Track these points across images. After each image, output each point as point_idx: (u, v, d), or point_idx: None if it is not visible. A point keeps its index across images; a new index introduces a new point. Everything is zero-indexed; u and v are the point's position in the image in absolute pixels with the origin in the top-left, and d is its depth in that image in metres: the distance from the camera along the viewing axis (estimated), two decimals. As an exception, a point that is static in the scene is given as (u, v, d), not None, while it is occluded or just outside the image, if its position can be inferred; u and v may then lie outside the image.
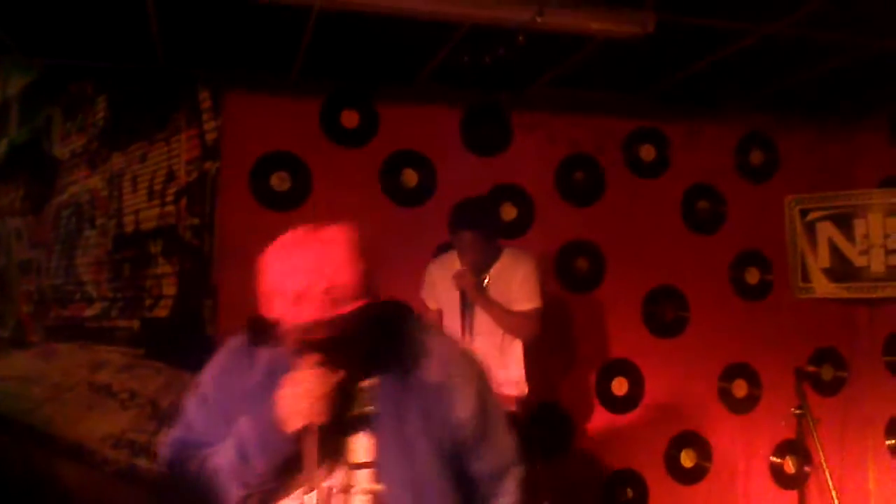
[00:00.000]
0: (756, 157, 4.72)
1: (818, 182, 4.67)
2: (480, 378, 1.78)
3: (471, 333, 3.29)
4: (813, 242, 4.58)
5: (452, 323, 3.34)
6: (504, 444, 1.80)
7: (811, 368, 4.57)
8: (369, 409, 1.65)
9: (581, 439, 4.29)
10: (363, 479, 1.63)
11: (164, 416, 3.76)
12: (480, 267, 3.31)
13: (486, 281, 3.32)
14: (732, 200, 4.63)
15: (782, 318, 4.65)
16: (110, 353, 3.79)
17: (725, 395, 4.58)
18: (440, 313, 3.45)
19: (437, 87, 4.05)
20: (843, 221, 4.47)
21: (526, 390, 3.36)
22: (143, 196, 3.82)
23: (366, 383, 1.66)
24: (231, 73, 3.85)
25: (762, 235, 4.67)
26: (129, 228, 3.82)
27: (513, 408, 3.25)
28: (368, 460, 1.63)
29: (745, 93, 4.29)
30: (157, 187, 3.82)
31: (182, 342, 3.80)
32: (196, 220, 3.82)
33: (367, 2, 2.89)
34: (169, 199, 3.82)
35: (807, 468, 4.43)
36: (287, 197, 3.93)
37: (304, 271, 1.49)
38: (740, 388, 4.61)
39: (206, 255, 3.81)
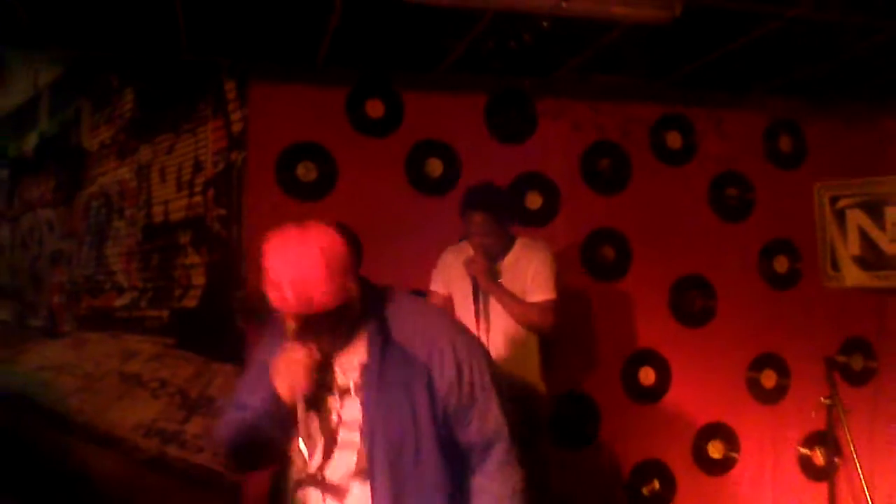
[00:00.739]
0: (784, 143, 4.66)
1: (848, 168, 4.60)
2: (461, 349, 1.87)
3: (485, 322, 3.21)
4: (843, 230, 4.51)
5: (465, 312, 3.25)
6: (489, 414, 1.87)
7: (841, 358, 4.52)
8: (355, 377, 1.85)
9: (607, 430, 4.26)
10: (349, 439, 1.84)
11: (194, 405, 3.81)
12: (491, 252, 3.22)
13: (498, 270, 3.24)
14: (761, 188, 4.58)
15: (812, 307, 4.60)
16: (140, 342, 3.83)
17: (754, 386, 4.53)
18: (447, 299, 3.38)
19: (461, 75, 4.05)
20: (874, 209, 4.40)
21: (543, 388, 3.27)
22: (171, 187, 3.86)
23: (352, 355, 1.86)
24: (256, 64, 3.87)
25: (791, 223, 4.62)
26: (158, 219, 3.86)
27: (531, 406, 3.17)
28: (354, 422, 1.84)
29: (772, 78, 4.23)
30: (185, 178, 3.86)
31: (211, 332, 3.83)
32: (223, 211, 3.85)
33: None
34: (197, 189, 3.85)
35: (836, 459, 4.37)
36: (313, 187, 3.95)
37: (292, 267, 1.73)
38: (769, 379, 4.56)
39: (234, 246, 3.84)
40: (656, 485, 4.34)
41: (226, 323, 3.83)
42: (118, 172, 3.84)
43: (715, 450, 4.46)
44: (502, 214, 3.26)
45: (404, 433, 1.80)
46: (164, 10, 3.18)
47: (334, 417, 1.86)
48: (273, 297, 1.75)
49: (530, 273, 3.22)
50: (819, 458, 4.55)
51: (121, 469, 3.73)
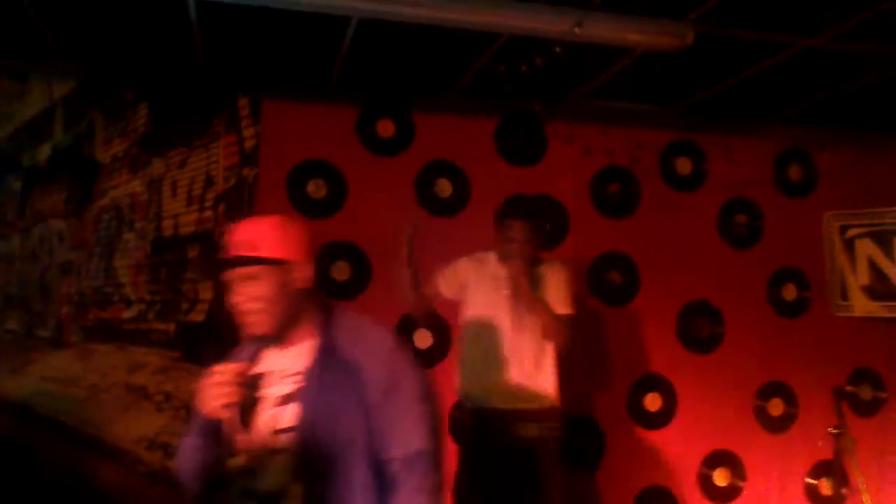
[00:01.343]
0: (795, 171, 4.65)
1: (858, 198, 4.59)
2: (398, 365, 1.90)
3: (518, 329, 3.21)
4: (852, 259, 4.50)
5: (499, 327, 3.25)
6: (415, 434, 1.86)
7: (849, 388, 4.48)
8: (294, 383, 1.88)
9: (612, 455, 4.23)
10: (283, 445, 1.84)
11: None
12: (528, 259, 3.23)
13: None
14: (770, 215, 4.57)
15: (820, 336, 4.57)
16: (147, 355, 3.84)
17: (761, 414, 4.50)
18: (438, 296, 3.39)
19: (472, 97, 4.07)
20: (884, 239, 4.39)
21: (558, 403, 3.27)
22: (182, 201, 3.88)
23: (295, 359, 1.90)
24: (270, 81, 3.90)
25: (800, 252, 4.60)
26: (168, 233, 3.88)
27: (551, 423, 3.21)
28: (291, 427, 1.84)
29: (784, 106, 4.24)
30: (196, 193, 3.88)
31: (217, 346, 3.82)
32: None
33: (406, 12, 2.91)
34: (207, 204, 3.87)
35: (843, 490, 4.33)
36: (322, 204, 3.96)
37: (243, 233, 1.88)
38: (776, 407, 4.52)
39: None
40: (663, 513, 4.30)
41: (232, 338, 3.82)
42: (130, 185, 3.87)
43: (721, 478, 4.42)
44: (539, 227, 3.33)
45: (337, 440, 1.82)
46: (180, 28, 3.21)
47: (269, 425, 1.87)
48: (225, 247, 1.86)
49: (551, 288, 3.25)
50: (826, 488, 4.50)
51: (123, 481, 3.73)
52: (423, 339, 4.03)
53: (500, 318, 3.25)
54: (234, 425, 1.82)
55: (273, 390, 1.89)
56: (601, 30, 3.01)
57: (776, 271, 4.57)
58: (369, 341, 1.93)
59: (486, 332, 3.30)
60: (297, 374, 1.89)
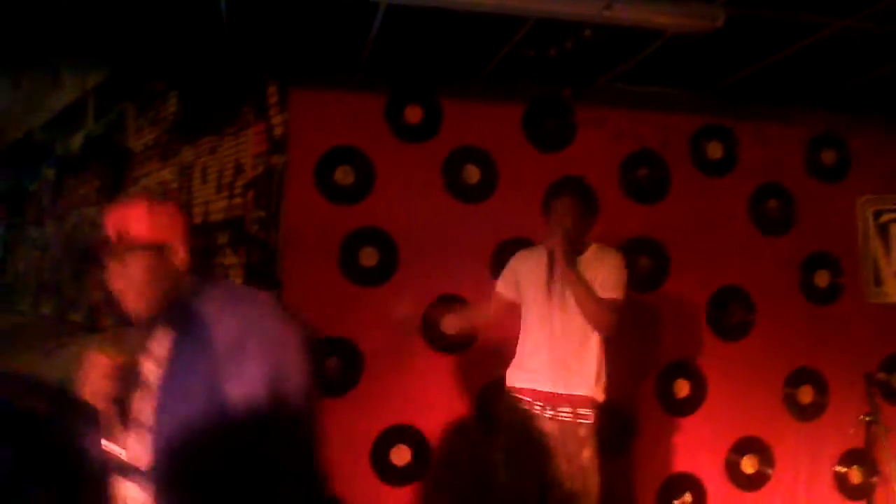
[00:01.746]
0: (828, 156, 4.58)
1: (892, 183, 4.52)
2: (269, 347, 1.74)
3: (558, 314, 3.18)
4: (886, 245, 4.44)
5: (535, 308, 3.24)
6: (283, 443, 1.72)
7: (881, 375, 4.42)
8: (156, 374, 1.80)
9: (640, 441, 4.23)
10: (141, 440, 1.78)
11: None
12: (574, 238, 3.17)
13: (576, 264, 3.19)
14: (802, 201, 4.50)
15: (852, 322, 4.51)
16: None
17: (790, 401, 4.46)
18: (507, 303, 3.38)
19: (500, 83, 4.05)
20: (919, 224, 4.33)
21: (602, 398, 3.22)
22: (212, 188, 3.92)
23: (159, 349, 1.81)
24: (298, 69, 3.92)
25: (833, 237, 4.53)
26: (198, 220, 3.92)
27: (586, 410, 3.17)
28: (148, 422, 1.77)
29: (816, 90, 4.17)
30: (226, 180, 3.92)
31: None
32: (262, 213, 3.90)
33: (435, -4, 2.91)
34: (237, 191, 3.91)
35: (874, 478, 4.29)
36: (350, 191, 3.98)
37: (114, 217, 1.84)
38: (806, 394, 4.48)
39: (272, 248, 3.89)
40: (688, 498, 4.29)
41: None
42: (160, 173, 3.91)
43: (749, 465, 4.40)
44: (587, 203, 3.25)
45: (187, 428, 1.73)
46: (210, 18, 3.24)
47: (136, 413, 1.82)
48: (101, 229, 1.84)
49: (602, 271, 3.18)
50: (856, 476, 4.46)
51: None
52: (451, 325, 4.04)
53: (544, 304, 3.21)
54: (111, 418, 1.80)
55: (143, 380, 1.83)
56: (631, 12, 2.98)
57: (808, 257, 4.51)
58: (242, 320, 1.79)
59: (531, 318, 3.28)
60: (158, 361, 1.83)
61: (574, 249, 3.18)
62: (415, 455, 3.96)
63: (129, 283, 1.82)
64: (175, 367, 1.79)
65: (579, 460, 3.15)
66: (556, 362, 3.15)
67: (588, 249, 3.27)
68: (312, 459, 1.81)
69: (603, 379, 3.22)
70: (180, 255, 1.85)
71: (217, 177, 3.92)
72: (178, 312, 1.84)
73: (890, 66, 3.74)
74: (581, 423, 3.15)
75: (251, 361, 1.72)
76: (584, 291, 3.10)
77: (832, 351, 4.48)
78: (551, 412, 3.16)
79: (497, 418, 3.42)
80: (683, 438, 4.30)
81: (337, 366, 3.90)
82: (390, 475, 3.93)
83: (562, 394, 3.15)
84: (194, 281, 1.88)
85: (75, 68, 3.82)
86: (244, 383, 1.71)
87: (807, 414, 4.47)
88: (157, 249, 1.83)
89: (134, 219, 1.82)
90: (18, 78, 3.80)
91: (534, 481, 3.19)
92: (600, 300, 3.12)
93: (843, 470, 4.48)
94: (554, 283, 3.18)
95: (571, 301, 3.14)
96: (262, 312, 1.84)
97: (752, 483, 4.39)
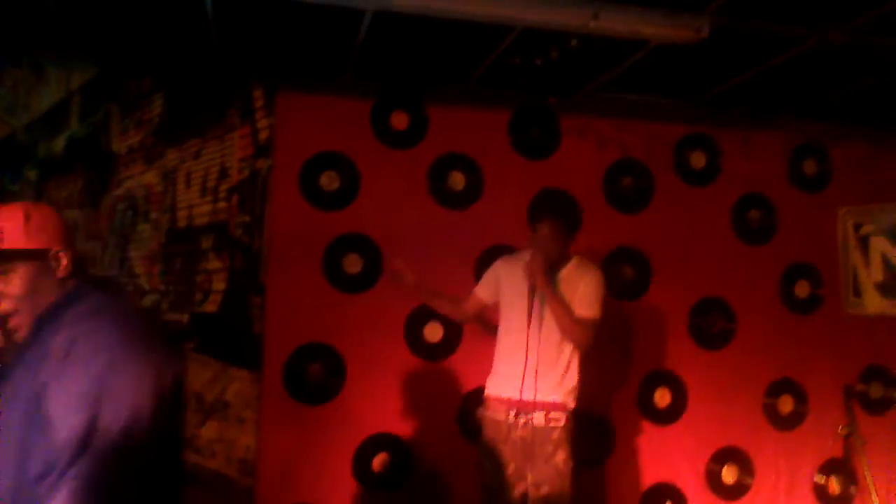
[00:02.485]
0: (809, 167, 4.63)
1: (873, 195, 4.57)
2: (100, 366, 1.60)
3: (536, 329, 3.24)
4: (866, 257, 4.48)
5: (513, 319, 3.30)
6: (97, 466, 1.54)
7: (860, 386, 4.47)
8: None
9: (620, 450, 4.24)
10: None
11: (210, 409, 3.83)
12: (552, 258, 3.23)
13: (556, 280, 3.26)
14: (784, 211, 4.55)
15: (832, 333, 4.56)
16: (159, 345, 3.85)
17: (770, 411, 4.49)
18: (484, 305, 3.45)
19: (486, 90, 4.06)
20: (898, 236, 4.38)
21: (573, 404, 3.28)
22: (196, 192, 3.90)
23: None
24: (285, 73, 3.91)
25: (813, 248, 4.58)
26: (182, 223, 3.89)
27: (558, 414, 3.23)
28: None
29: (799, 101, 4.22)
30: (211, 184, 3.90)
31: (229, 337, 3.86)
32: (247, 218, 3.88)
33: (421, 4, 2.91)
34: (221, 195, 3.89)
35: (852, 488, 4.33)
36: (335, 196, 3.97)
37: None
38: (786, 404, 4.51)
39: (256, 253, 3.87)
40: (669, 508, 4.31)
41: (244, 329, 3.85)
42: (145, 176, 3.89)
43: (729, 474, 4.42)
44: (569, 224, 3.28)
45: (13, 442, 1.61)
46: (196, 20, 3.23)
47: None
48: None
49: (581, 288, 3.24)
50: (834, 486, 4.49)
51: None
52: (434, 332, 4.04)
53: (521, 313, 3.27)
54: None
55: None
56: (617, 22, 3.00)
57: (789, 268, 4.55)
58: (84, 333, 1.67)
59: (507, 325, 3.35)
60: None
61: (554, 267, 3.26)
62: (397, 462, 3.94)
63: (11, 298, 1.71)
64: (14, 380, 1.68)
65: (554, 462, 3.21)
66: (529, 370, 3.21)
67: (569, 263, 3.32)
68: (128, 488, 1.60)
69: (574, 385, 3.29)
70: (63, 264, 1.76)
71: (202, 180, 3.90)
72: (38, 326, 1.73)
73: (872, 77, 3.79)
74: (553, 427, 3.22)
75: (74, 378, 1.58)
76: (562, 311, 3.18)
77: (812, 361, 4.52)
78: (524, 418, 3.22)
79: (477, 425, 3.45)
80: (664, 448, 4.31)
81: (320, 372, 3.89)
82: (372, 482, 3.92)
83: (533, 401, 3.21)
84: (70, 292, 1.76)
85: (60, 68, 3.80)
86: (62, 400, 1.56)
87: (786, 424, 4.51)
88: (39, 258, 1.73)
89: (9, 227, 1.71)
90: (1, 77, 3.77)
91: (513, 484, 3.25)
92: (577, 319, 3.20)
93: (823, 480, 4.51)
94: (533, 297, 3.24)
95: (549, 316, 3.22)
96: (113, 330, 1.69)
97: (733, 493, 4.41)
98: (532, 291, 3.23)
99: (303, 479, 3.83)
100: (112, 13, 3.22)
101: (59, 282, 1.76)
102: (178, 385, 1.74)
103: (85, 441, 1.53)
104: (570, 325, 3.18)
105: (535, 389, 3.20)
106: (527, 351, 3.22)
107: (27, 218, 1.73)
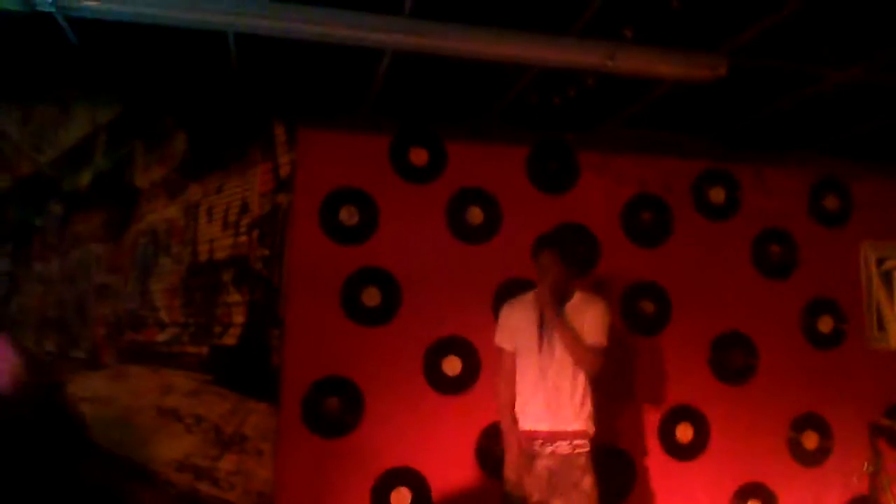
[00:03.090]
0: (830, 201, 4.61)
1: (894, 229, 4.53)
2: None
3: (548, 358, 3.32)
4: (889, 291, 4.44)
5: (529, 355, 3.36)
6: None
7: (886, 422, 4.39)
8: None
9: (642, 486, 4.19)
10: None
11: (228, 442, 3.84)
12: (560, 288, 3.32)
13: (563, 313, 3.34)
14: (805, 246, 4.52)
15: (856, 368, 4.50)
16: (179, 377, 3.88)
17: (795, 447, 4.42)
18: (513, 356, 3.46)
19: (505, 126, 4.09)
20: (922, 271, 4.33)
21: (594, 430, 3.36)
22: (217, 226, 3.94)
23: None
24: (306, 110, 3.96)
25: (836, 282, 4.54)
26: (203, 257, 3.93)
27: (581, 441, 3.30)
28: None
29: (818, 137, 4.21)
30: (232, 218, 3.94)
31: (248, 370, 3.87)
32: (267, 252, 3.92)
33: (441, 45, 2.95)
34: (242, 229, 3.93)
35: (880, 527, 4.24)
36: (355, 231, 4.01)
37: None
38: (810, 440, 4.44)
39: (275, 286, 3.90)
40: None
41: (263, 362, 3.87)
42: (167, 211, 3.93)
43: (752, 510, 4.35)
44: (569, 254, 3.39)
45: None
46: (220, 60, 3.30)
47: None
48: None
49: (588, 319, 3.34)
50: (860, 524, 4.40)
51: (153, 502, 3.76)
52: (453, 366, 4.04)
53: (536, 351, 3.35)
54: None
55: None
56: (634, 62, 3.02)
57: (811, 302, 4.51)
58: None
59: (526, 364, 3.39)
60: None
61: (560, 298, 3.34)
62: (415, 497, 3.92)
63: None
64: None
65: (582, 488, 3.28)
66: (551, 403, 3.29)
67: (573, 297, 3.40)
68: None
69: (591, 412, 3.37)
70: None
71: (223, 215, 3.94)
72: None
73: (891, 113, 3.77)
74: (579, 453, 3.29)
75: None
76: (572, 339, 3.28)
77: (836, 396, 4.46)
78: (551, 448, 3.29)
79: (500, 459, 3.48)
80: (686, 483, 4.26)
81: (338, 406, 3.89)
82: (390, 517, 3.90)
83: (558, 430, 3.28)
84: None
85: (86, 104, 3.87)
86: None
87: (811, 460, 4.43)
88: None
89: None
90: (29, 113, 3.85)
91: None
92: (587, 347, 3.30)
93: (848, 518, 4.42)
94: (544, 331, 3.33)
95: (560, 346, 3.30)
96: None
97: (756, 529, 4.34)
98: (541, 325, 3.33)
99: (321, 512, 3.83)
100: (137, 51, 3.29)
101: None
102: None
103: None
104: (581, 352, 3.28)
105: (556, 419, 3.28)
106: (546, 383, 3.30)
107: None
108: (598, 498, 3.32)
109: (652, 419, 4.26)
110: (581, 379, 3.33)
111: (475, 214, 4.16)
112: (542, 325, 3.33)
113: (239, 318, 3.90)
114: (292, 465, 3.82)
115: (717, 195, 4.45)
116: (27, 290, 3.81)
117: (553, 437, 3.29)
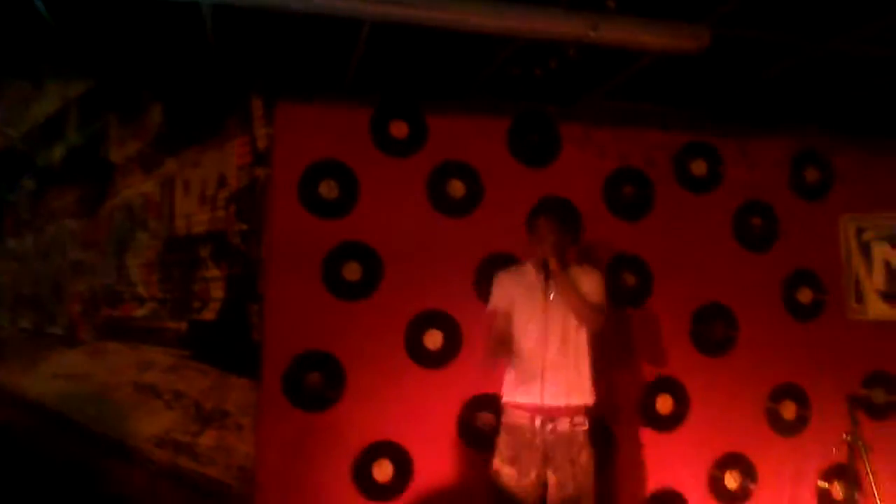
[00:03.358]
0: (811, 174, 4.61)
1: (875, 201, 4.56)
2: None
3: (551, 319, 3.30)
4: (868, 263, 4.47)
5: (528, 322, 3.35)
6: None
7: (863, 391, 4.45)
8: None
9: (623, 456, 4.22)
10: None
11: (208, 417, 3.82)
12: (560, 252, 3.32)
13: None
14: (786, 218, 4.53)
15: (834, 339, 4.54)
16: (158, 353, 3.85)
17: (773, 417, 4.47)
18: (507, 316, 3.42)
19: (486, 98, 4.05)
20: (900, 242, 4.37)
21: (593, 400, 3.37)
22: (194, 200, 3.89)
23: None
24: (284, 82, 3.90)
25: (816, 254, 4.56)
26: (181, 232, 3.89)
27: (581, 419, 3.33)
28: None
29: (800, 109, 4.20)
30: (209, 192, 3.89)
31: (228, 345, 3.85)
32: (245, 226, 3.87)
33: (421, 15, 2.89)
34: (220, 204, 3.88)
35: (857, 495, 4.30)
36: (335, 205, 3.96)
37: None
38: (789, 410, 4.49)
39: (254, 261, 3.87)
40: (671, 514, 4.29)
41: (242, 337, 3.85)
42: (143, 185, 3.88)
43: (732, 480, 4.40)
44: (567, 221, 3.43)
45: None
46: (195, 31, 3.22)
47: None
48: None
49: (586, 284, 3.37)
50: (838, 492, 4.47)
51: (133, 479, 3.75)
52: (434, 339, 4.03)
53: (540, 319, 3.31)
54: None
55: None
56: (617, 33, 2.98)
57: (791, 274, 4.53)
58: None
59: (526, 335, 3.36)
60: None
61: (561, 262, 3.34)
62: (397, 471, 3.93)
63: None
64: None
65: (579, 463, 3.30)
66: (557, 377, 3.27)
67: (569, 268, 3.41)
68: None
69: (591, 382, 3.39)
70: None
71: (200, 189, 3.89)
72: None
73: (873, 85, 3.77)
74: (579, 430, 3.32)
75: None
76: (576, 297, 3.28)
77: (815, 367, 4.50)
78: (550, 425, 3.29)
79: (488, 432, 3.50)
80: (666, 454, 4.30)
81: (319, 381, 3.88)
82: (372, 491, 3.90)
83: (561, 406, 3.29)
84: None
85: (58, 78, 3.79)
86: None
87: (789, 429, 4.49)
88: None
89: None
90: (1, 88, 3.76)
91: (536, 486, 3.30)
92: (592, 303, 3.32)
93: (826, 485, 4.49)
94: (549, 294, 3.30)
95: (565, 313, 3.30)
96: None
97: (736, 498, 4.39)
98: (547, 289, 3.30)
99: (302, 486, 3.82)
100: (110, 24, 3.21)
101: None
102: None
103: None
104: (586, 307, 3.29)
105: (557, 393, 3.27)
106: (550, 355, 3.28)
107: None
108: (594, 473, 3.33)
109: (633, 391, 4.28)
110: (586, 348, 3.36)
111: (456, 188, 4.13)
112: (547, 289, 3.30)
113: (218, 293, 3.87)
114: (273, 440, 3.81)
115: (699, 168, 4.44)
116: (1, 267, 3.76)
117: (553, 412, 3.27)
